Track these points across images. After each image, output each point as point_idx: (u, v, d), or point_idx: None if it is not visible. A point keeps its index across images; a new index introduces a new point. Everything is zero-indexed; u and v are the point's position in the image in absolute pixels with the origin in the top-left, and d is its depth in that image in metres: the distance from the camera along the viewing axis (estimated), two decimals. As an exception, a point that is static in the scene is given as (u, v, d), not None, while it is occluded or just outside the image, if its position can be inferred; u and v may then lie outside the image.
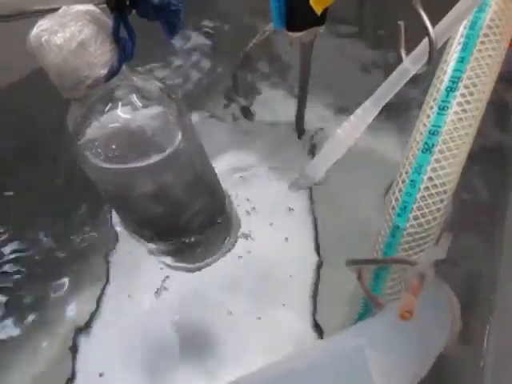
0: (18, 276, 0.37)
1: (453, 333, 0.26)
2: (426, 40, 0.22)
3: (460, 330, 0.26)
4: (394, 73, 0.24)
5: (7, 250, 0.39)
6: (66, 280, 0.37)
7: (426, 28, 0.22)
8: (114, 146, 0.22)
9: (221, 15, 0.58)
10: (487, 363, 0.24)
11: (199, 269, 0.32)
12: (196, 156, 0.26)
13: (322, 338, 0.32)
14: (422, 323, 0.25)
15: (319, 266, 0.36)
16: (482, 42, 0.27)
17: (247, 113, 0.46)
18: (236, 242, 0.34)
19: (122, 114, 0.22)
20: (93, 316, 0.35)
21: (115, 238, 0.39)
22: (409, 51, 0.24)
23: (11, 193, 0.43)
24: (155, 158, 0.22)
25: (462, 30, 0.28)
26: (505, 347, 0.24)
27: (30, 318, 0.35)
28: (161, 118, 0.23)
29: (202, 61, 0.54)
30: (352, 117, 0.25)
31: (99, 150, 0.22)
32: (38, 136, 0.46)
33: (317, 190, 0.39)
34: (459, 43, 0.28)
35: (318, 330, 0.32)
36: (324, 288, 0.34)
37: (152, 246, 0.29)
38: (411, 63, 0.23)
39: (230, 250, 0.33)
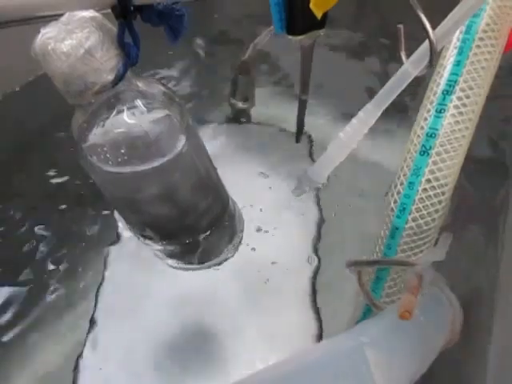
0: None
1: (453, 332, 0.27)
2: (426, 42, 0.22)
3: (461, 330, 0.27)
4: (395, 76, 0.24)
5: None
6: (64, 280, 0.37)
7: (425, 30, 0.22)
8: (119, 151, 0.22)
9: (221, 18, 0.58)
10: (489, 363, 0.25)
11: (205, 268, 0.32)
12: (199, 157, 0.26)
13: (322, 340, 0.32)
14: (422, 323, 0.26)
15: (318, 266, 0.36)
16: (478, 46, 0.28)
17: (244, 116, 0.47)
18: (241, 241, 0.34)
19: (126, 118, 0.22)
20: (92, 317, 0.35)
21: (117, 238, 0.39)
22: (409, 53, 0.24)
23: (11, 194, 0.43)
24: (160, 161, 0.23)
25: (457, 34, 0.29)
26: (507, 346, 0.24)
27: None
28: (165, 122, 0.23)
29: (201, 64, 0.54)
30: (354, 120, 0.25)
31: (105, 155, 0.22)
32: (39, 140, 0.46)
33: (317, 193, 0.40)
34: (455, 47, 0.29)
35: (319, 332, 0.33)
36: (324, 290, 0.35)
37: (158, 247, 0.29)
38: (412, 66, 0.23)
39: (236, 249, 0.33)
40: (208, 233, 0.29)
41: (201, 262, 0.31)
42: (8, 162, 0.45)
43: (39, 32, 0.19)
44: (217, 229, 0.30)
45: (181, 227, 0.28)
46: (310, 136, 0.45)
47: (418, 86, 0.30)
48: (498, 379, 0.24)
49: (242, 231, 0.35)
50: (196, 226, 0.28)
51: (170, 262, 0.31)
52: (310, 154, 0.44)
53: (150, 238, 0.28)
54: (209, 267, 0.32)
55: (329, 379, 0.24)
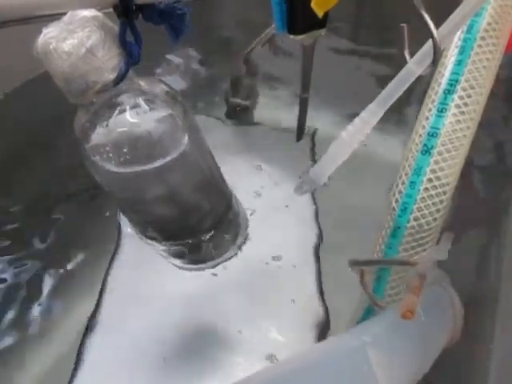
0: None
1: (455, 331, 0.27)
2: (430, 41, 0.22)
3: (462, 329, 0.27)
4: (399, 75, 0.24)
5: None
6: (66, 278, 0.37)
7: (429, 30, 0.22)
8: (122, 150, 0.22)
9: (222, 17, 0.58)
10: (492, 362, 0.25)
11: (209, 268, 0.32)
12: (203, 156, 0.26)
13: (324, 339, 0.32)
14: (424, 322, 0.26)
15: (319, 265, 0.36)
16: (479, 46, 0.28)
17: (246, 115, 0.47)
18: (245, 240, 0.34)
19: (129, 117, 0.22)
20: (93, 317, 0.35)
21: (119, 238, 0.39)
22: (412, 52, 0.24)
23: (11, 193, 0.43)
24: (164, 160, 0.22)
25: (459, 33, 0.28)
26: (509, 346, 0.24)
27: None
28: (168, 121, 0.23)
29: (202, 63, 0.54)
30: (357, 119, 0.25)
31: (108, 155, 0.22)
32: (39, 139, 0.46)
33: (318, 192, 0.40)
34: (456, 46, 0.29)
35: (322, 332, 0.33)
36: (326, 289, 0.35)
37: (162, 247, 0.29)
38: (416, 65, 0.23)
39: (240, 248, 0.34)
40: (212, 232, 0.29)
41: (204, 262, 0.31)
42: (8, 162, 0.45)
43: (41, 32, 0.19)
44: (220, 228, 0.30)
45: (184, 227, 0.28)
46: (312, 134, 0.45)
47: (420, 85, 0.30)
48: (500, 379, 0.24)
49: (246, 230, 0.35)
50: (199, 225, 0.28)
51: (174, 261, 0.31)
52: (312, 153, 0.44)
53: (153, 239, 0.28)
54: (213, 267, 0.32)
55: (331, 378, 0.24)
